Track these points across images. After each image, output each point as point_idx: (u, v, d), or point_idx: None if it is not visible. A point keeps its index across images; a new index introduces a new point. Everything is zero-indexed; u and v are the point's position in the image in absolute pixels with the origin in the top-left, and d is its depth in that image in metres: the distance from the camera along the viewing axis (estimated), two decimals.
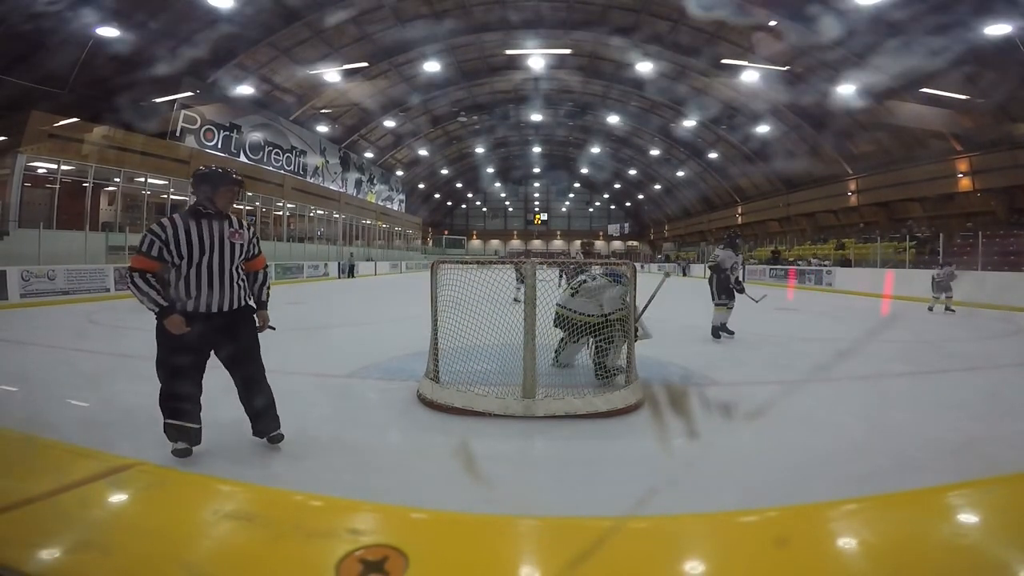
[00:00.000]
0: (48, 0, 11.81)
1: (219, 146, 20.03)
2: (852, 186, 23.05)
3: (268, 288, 2.63)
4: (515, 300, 4.25)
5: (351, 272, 24.00)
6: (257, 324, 2.54)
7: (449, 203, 52.55)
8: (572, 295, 4.15)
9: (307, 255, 22.92)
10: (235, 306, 2.41)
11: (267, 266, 2.65)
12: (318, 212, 27.29)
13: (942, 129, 17.40)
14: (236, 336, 2.43)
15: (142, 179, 16.76)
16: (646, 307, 4.37)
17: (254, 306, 2.56)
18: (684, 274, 28.00)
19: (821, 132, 22.08)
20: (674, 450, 2.59)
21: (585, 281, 4.15)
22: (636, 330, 3.87)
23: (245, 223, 2.53)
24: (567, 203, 54.48)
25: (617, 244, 51.87)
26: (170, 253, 2.28)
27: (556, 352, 4.30)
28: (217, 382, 2.48)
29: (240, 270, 2.45)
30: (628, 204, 50.89)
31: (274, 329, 2.60)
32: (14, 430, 0.78)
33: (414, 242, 42.84)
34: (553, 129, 36.37)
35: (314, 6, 17.61)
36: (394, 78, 24.47)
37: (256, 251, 2.55)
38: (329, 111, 25.55)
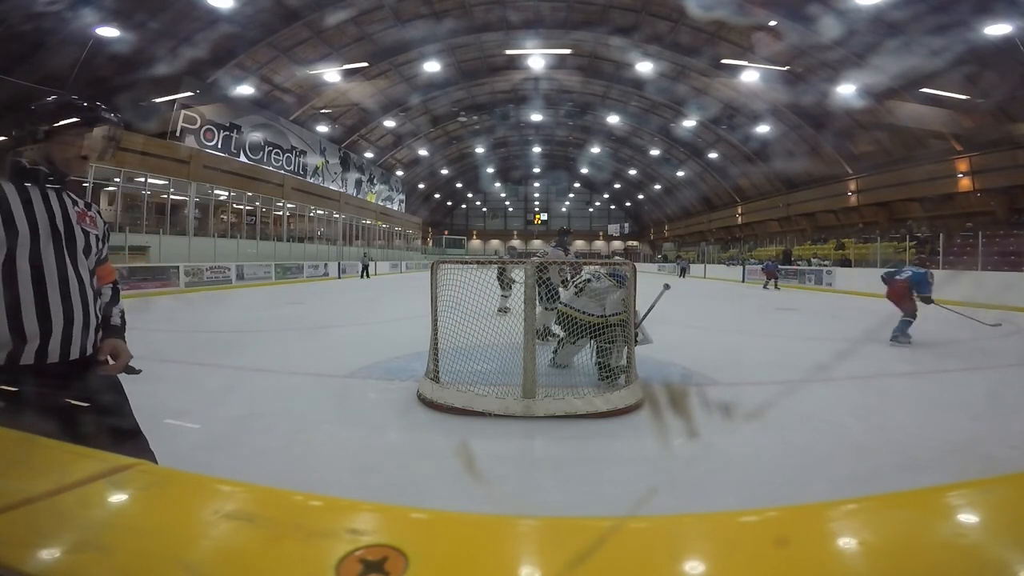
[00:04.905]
0: (48, 0, 11.82)
1: (219, 146, 20.04)
2: (852, 186, 23.05)
3: (123, 310, 1.44)
4: (500, 311, 4.19)
5: (366, 272, 24.02)
6: (108, 362, 1.30)
7: (449, 203, 52.56)
8: (576, 294, 4.15)
9: (307, 255, 22.94)
10: (89, 350, 1.26)
11: (118, 283, 1.48)
12: (318, 212, 27.29)
13: (942, 129, 17.41)
14: (99, 409, 1.22)
15: (142, 179, 16.76)
16: (646, 315, 4.39)
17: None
18: (682, 275, 27.88)
19: (821, 132, 22.08)
20: (674, 450, 2.59)
21: (590, 281, 4.16)
22: (636, 335, 3.88)
23: (92, 204, 1.40)
24: (567, 203, 54.49)
25: (617, 244, 51.90)
26: None
27: (554, 351, 4.31)
28: (217, 380, 2.46)
29: (94, 280, 1.31)
30: (628, 204, 50.90)
31: (139, 372, 1.38)
32: (14, 430, 0.78)
33: (414, 242, 42.85)
34: (553, 129, 36.38)
35: (314, 6, 17.61)
36: (394, 78, 24.47)
37: (106, 254, 1.42)
38: (329, 111, 25.55)
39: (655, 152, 34.73)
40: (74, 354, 1.21)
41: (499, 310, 4.02)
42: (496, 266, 4.93)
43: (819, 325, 8.34)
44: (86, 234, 1.28)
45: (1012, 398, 3.80)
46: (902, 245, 17.14)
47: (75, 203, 1.29)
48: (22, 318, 1.13)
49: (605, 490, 2.22)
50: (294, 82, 22.03)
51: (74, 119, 1.23)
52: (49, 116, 1.21)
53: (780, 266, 18.32)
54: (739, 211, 32.87)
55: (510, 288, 5.54)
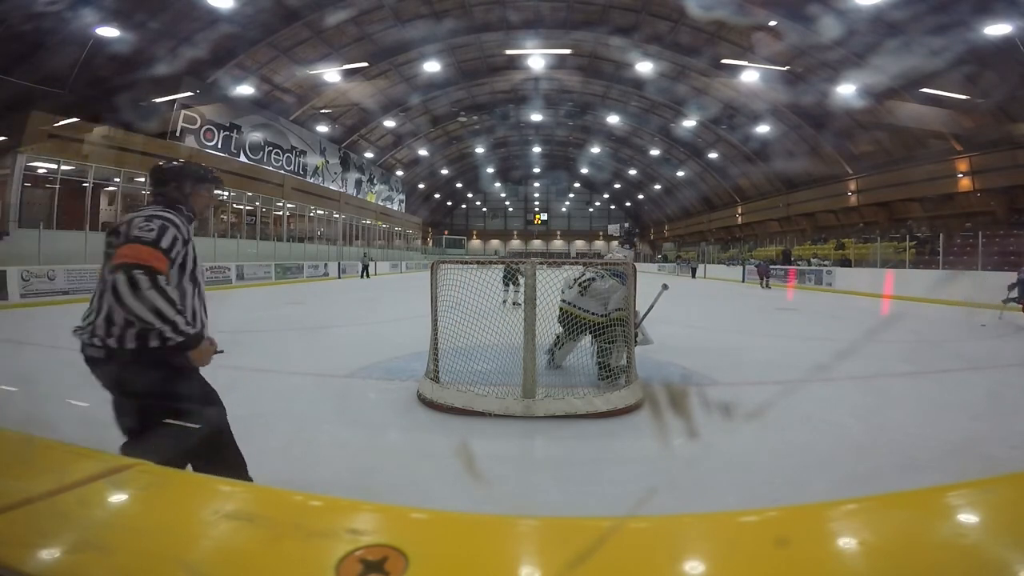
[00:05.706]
0: (48, 0, 11.81)
1: (219, 146, 20.02)
2: (852, 186, 23.05)
3: None
4: (508, 303, 4.21)
5: (366, 272, 23.98)
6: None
7: (449, 203, 52.55)
8: (581, 294, 4.14)
9: (307, 255, 22.92)
10: None
11: None
12: (318, 212, 27.28)
13: (942, 129, 17.40)
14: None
15: (142, 179, 16.74)
16: (646, 315, 4.38)
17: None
18: (693, 275, 27.93)
19: (821, 132, 22.07)
20: (674, 450, 2.59)
21: (594, 279, 4.15)
22: (636, 335, 3.88)
23: None
24: (567, 203, 54.48)
25: (616, 244, 51.84)
26: (182, 256, 1.65)
27: (552, 351, 4.29)
28: (217, 380, 2.45)
29: None
30: (628, 204, 50.91)
31: (222, 352, 2.06)
32: (14, 430, 0.78)
33: (414, 242, 42.84)
34: (553, 129, 36.37)
35: (314, 6, 17.61)
36: (394, 78, 24.47)
37: None
38: (329, 111, 25.55)
39: (655, 152, 34.72)
40: None
41: (514, 303, 4.04)
42: (503, 265, 5.05)
43: (819, 325, 8.34)
44: None
45: (1012, 398, 3.80)
46: (902, 245, 17.14)
47: None
48: (200, 321, 1.79)
49: (605, 490, 2.22)
50: (294, 82, 22.02)
51: (214, 182, 1.88)
52: (212, 179, 1.87)
53: (771, 266, 18.72)
54: (739, 211, 32.86)
55: (517, 283, 5.63)
